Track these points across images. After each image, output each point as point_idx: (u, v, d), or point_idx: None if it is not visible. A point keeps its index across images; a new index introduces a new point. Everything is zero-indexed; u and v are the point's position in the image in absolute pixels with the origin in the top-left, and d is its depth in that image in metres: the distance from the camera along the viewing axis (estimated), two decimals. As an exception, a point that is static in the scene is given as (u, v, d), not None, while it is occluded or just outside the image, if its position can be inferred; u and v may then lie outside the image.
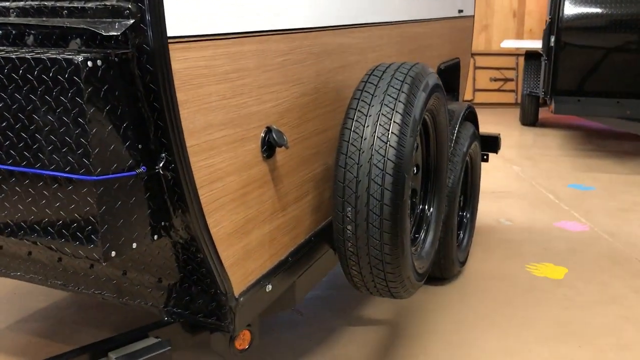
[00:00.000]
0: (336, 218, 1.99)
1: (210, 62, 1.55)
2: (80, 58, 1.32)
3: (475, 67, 9.45)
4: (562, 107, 6.19)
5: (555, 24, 6.18)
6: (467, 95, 9.26)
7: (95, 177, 1.38)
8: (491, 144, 4.02)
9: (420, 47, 3.37)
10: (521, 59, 9.19)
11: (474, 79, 9.48)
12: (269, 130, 1.83)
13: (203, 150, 1.56)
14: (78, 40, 1.42)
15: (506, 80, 9.61)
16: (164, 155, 1.49)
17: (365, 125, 1.95)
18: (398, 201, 1.91)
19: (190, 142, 1.51)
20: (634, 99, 6.09)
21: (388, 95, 1.99)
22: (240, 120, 1.71)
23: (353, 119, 1.97)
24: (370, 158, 1.91)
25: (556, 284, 3.39)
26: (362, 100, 2.00)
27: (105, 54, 1.36)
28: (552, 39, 6.24)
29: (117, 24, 1.36)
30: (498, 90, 9.60)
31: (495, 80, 9.57)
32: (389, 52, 2.86)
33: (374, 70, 2.12)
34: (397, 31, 2.95)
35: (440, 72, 3.78)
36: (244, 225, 1.78)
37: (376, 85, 2.03)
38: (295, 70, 1.99)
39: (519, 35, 9.77)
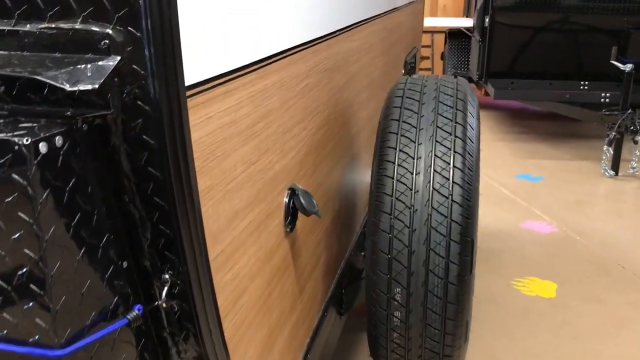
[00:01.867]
0: (376, 301, 1.44)
1: (235, 114, 0.94)
2: (22, 141, 0.67)
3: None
4: (501, 93, 5.93)
5: (490, 3, 5.86)
6: (385, 75, 8.89)
7: (59, 353, 0.74)
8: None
9: (396, 41, 2.85)
10: (437, 36, 8.93)
11: (391, 58, 9.12)
12: (292, 192, 1.25)
13: (228, 258, 0.96)
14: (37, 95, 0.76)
15: (422, 58, 9.33)
16: (168, 277, 0.88)
17: (415, 172, 1.40)
18: (466, 276, 1.39)
19: (214, 250, 0.90)
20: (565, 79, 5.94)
21: (439, 128, 1.45)
22: (265, 190, 1.11)
23: (395, 163, 1.42)
24: (428, 219, 1.38)
25: (551, 305, 3.05)
26: (404, 136, 1.45)
27: (67, 124, 0.73)
28: (487, 19, 5.93)
29: (90, 66, 0.72)
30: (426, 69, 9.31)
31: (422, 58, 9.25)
32: (377, 51, 2.31)
33: (404, 90, 1.57)
34: (381, 25, 2.41)
35: (405, 65, 3.29)
36: (267, 341, 1.19)
37: (418, 114, 1.49)
38: (314, 98, 1.41)
39: (433, 13, 9.50)
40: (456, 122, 1.45)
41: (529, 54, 5.97)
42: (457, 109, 1.48)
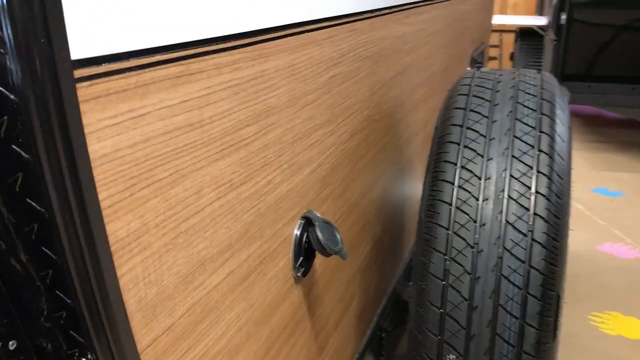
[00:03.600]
0: (422, 367, 1.07)
1: (200, 110, 0.60)
2: None
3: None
4: (577, 97, 5.40)
5: (567, -1, 5.34)
6: (449, 76, 8.40)
7: None
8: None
9: (462, 32, 2.45)
10: (506, 36, 8.39)
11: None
12: (307, 222, 0.90)
13: (181, 337, 0.62)
14: None
15: (489, 59, 8.79)
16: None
17: (482, 198, 1.03)
18: (548, 344, 1.01)
19: (152, 329, 0.56)
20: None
21: (518, 138, 1.07)
22: (261, 224, 0.76)
23: (454, 185, 1.05)
24: (498, 264, 1.00)
25: (636, 349, 2.58)
26: (468, 147, 1.08)
27: None
28: (563, 17, 5.41)
29: None
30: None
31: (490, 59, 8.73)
32: (439, 41, 1.93)
33: (470, 86, 1.19)
34: (445, 11, 2.02)
35: (472, 61, 2.89)
36: None
37: (489, 119, 1.11)
38: (346, 93, 1.05)
39: (502, 10, 8.94)
40: (541, 131, 1.06)
41: (610, 55, 5.42)
42: (542, 113, 1.09)
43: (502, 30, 8.55)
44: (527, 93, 1.14)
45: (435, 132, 1.18)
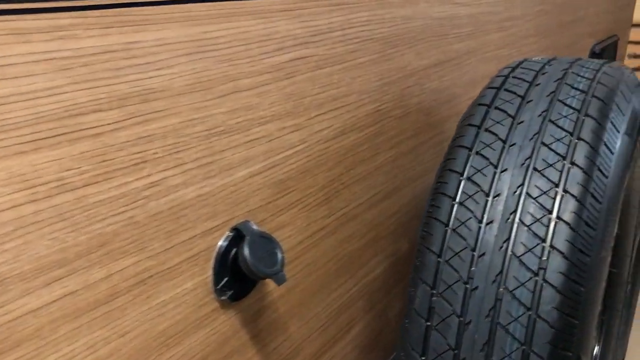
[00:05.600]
0: None
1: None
2: None
3: (610, 41, 7.79)
4: None
5: None
6: (598, 75, 7.64)
7: None
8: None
9: (572, 22, 2.11)
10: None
11: (607, 56, 7.82)
12: (237, 234, 0.73)
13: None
14: None
15: (634, 57, 7.88)
16: None
17: (485, 220, 0.79)
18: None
19: None
20: None
21: (545, 146, 0.82)
22: (129, 235, 0.61)
23: (455, 200, 0.82)
24: (495, 308, 0.76)
25: None
26: (479, 154, 0.84)
27: None
28: None
29: None
30: (639, 69, 7.89)
31: (635, 56, 7.85)
32: (523, 30, 1.65)
33: (506, 78, 0.95)
34: (539, -7, 1.73)
35: (594, 56, 2.50)
36: None
37: (515, 119, 0.86)
38: (327, 81, 0.87)
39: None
40: (579, 138, 0.80)
41: None
42: (586, 114, 0.83)
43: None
44: (574, 88, 0.88)
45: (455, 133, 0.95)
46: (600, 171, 0.78)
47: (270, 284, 0.82)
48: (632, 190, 1.22)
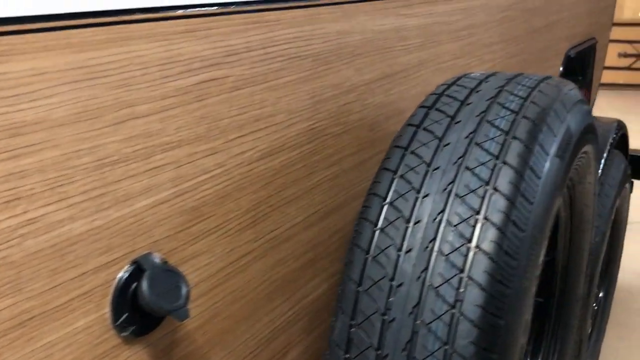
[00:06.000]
0: None
1: None
2: None
3: (601, 40, 7.75)
4: None
5: None
6: (589, 75, 7.61)
7: None
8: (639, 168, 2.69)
9: (545, 26, 2.08)
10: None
11: (598, 55, 7.77)
12: (138, 267, 0.70)
13: None
14: None
15: (639, 56, 7.85)
16: None
17: (404, 249, 0.76)
18: None
19: None
20: None
21: (468, 169, 0.78)
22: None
23: (377, 227, 0.79)
24: (411, 343, 0.73)
25: None
26: (403, 178, 0.81)
27: None
28: None
29: None
30: (628, 68, 7.87)
31: (626, 55, 7.83)
32: (485, 38, 1.62)
33: (440, 96, 0.92)
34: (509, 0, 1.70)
35: (569, 61, 2.47)
36: None
37: (441, 141, 0.83)
38: (247, 102, 0.84)
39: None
40: (504, 162, 0.77)
41: None
42: (513, 137, 0.80)
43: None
44: (504, 107, 0.84)
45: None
46: (525, 197, 0.75)
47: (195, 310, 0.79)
48: (585, 206, 1.19)
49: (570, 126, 0.86)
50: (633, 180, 2.72)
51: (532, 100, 0.85)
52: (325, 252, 1.09)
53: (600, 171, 1.73)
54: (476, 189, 0.76)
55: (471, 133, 0.82)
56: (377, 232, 0.79)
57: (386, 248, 0.76)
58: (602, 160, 1.75)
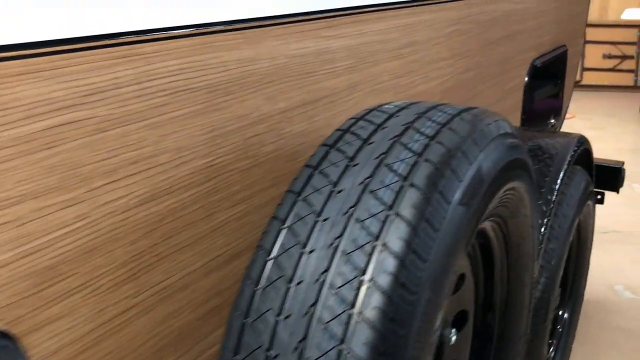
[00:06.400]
0: None
1: None
2: None
3: (585, 41, 7.68)
4: None
5: None
6: (573, 77, 7.53)
7: None
8: (609, 178, 2.63)
9: (505, 37, 2.00)
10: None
11: (583, 56, 7.71)
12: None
13: None
14: None
15: (624, 57, 7.80)
16: None
17: (295, 280, 0.68)
18: None
19: None
20: None
21: (358, 222, 0.70)
22: None
23: (271, 254, 0.71)
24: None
25: None
26: (305, 201, 0.73)
27: None
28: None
29: None
30: (612, 69, 7.81)
31: (610, 57, 7.78)
32: (433, 54, 1.53)
33: (344, 132, 0.83)
34: (453, 13, 1.61)
35: (535, 70, 2.39)
36: None
37: (334, 186, 0.74)
38: (118, 144, 0.75)
39: (643, 2, 7.87)
40: (396, 214, 0.69)
41: None
42: (411, 184, 0.71)
43: (640, 25, 7.54)
44: (407, 148, 0.76)
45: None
46: (417, 255, 0.66)
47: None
48: (522, 240, 1.11)
49: (482, 167, 0.78)
50: (603, 191, 2.65)
51: (438, 139, 0.77)
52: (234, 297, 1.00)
53: (555, 192, 1.65)
54: (363, 245, 0.67)
55: (367, 178, 0.73)
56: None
57: (277, 280, 0.68)
58: (558, 181, 1.67)
